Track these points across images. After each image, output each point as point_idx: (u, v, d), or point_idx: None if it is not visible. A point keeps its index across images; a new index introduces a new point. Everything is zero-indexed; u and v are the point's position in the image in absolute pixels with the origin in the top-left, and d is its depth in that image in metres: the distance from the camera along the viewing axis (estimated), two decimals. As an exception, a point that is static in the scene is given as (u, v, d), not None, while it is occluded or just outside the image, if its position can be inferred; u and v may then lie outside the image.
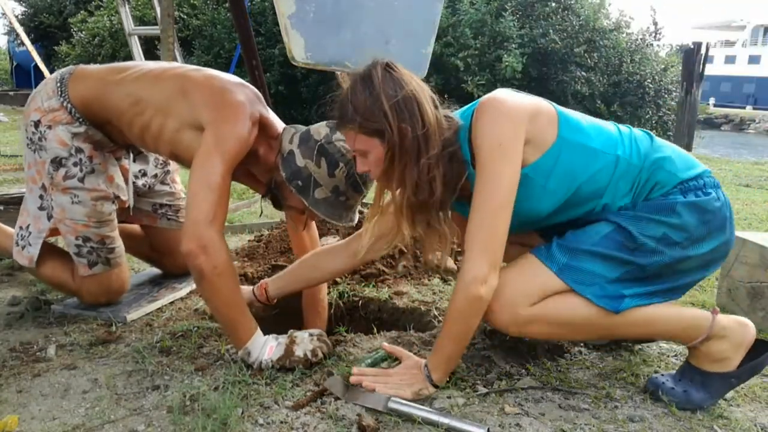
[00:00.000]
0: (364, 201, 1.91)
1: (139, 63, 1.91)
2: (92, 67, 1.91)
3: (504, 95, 1.42)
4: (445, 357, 1.47)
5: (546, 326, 1.45)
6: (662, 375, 1.55)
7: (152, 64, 1.88)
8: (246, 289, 1.86)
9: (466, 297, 1.37)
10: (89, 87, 1.81)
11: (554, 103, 1.50)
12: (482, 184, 1.38)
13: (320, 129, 1.67)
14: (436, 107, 1.43)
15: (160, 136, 1.76)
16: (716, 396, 1.48)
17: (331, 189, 1.65)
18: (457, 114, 1.51)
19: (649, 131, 1.55)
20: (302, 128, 1.72)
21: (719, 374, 1.47)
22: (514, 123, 1.38)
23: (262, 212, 2.23)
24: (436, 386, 1.47)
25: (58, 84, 1.82)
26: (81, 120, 1.81)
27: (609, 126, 1.51)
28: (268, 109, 1.80)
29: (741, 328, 1.48)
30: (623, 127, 1.53)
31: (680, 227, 1.41)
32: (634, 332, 1.51)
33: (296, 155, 1.66)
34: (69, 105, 1.80)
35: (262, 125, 1.71)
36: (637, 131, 1.53)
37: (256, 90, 1.78)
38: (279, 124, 1.80)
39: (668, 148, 1.51)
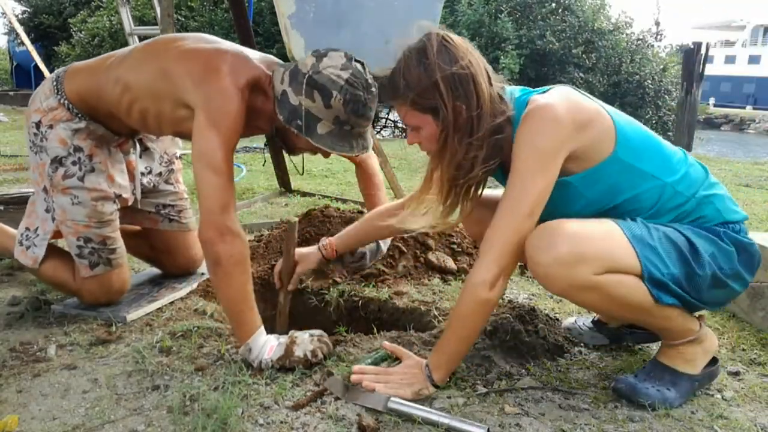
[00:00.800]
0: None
1: (126, 48, 1.90)
2: (85, 61, 1.91)
3: (558, 101, 1.36)
4: (447, 357, 1.47)
5: (598, 297, 1.37)
6: (628, 376, 1.54)
7: (134, 46, 1.87)
8: (311, 249, 1.94)
9: (474, 299, 1.37)
10: (83, 80, 1.82)
11: (614, 113, 1.44)
12: (513, 190, 1.35)
13: (306, 60, 1.58)
14: (491, 84, 1.38)
15: (161, 119, 1.75)
16: (684, 396, 1.49)
17: (332, 120, 1.57)
18: (513, 95, 1.46)
19: (704, 165, 1.53)
20: (291, 64, 1.64)
21: (687, 375, 1.50)
22: (559, 135, 1.33)
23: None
24: (436, 386, 1.47)
25: (54, 83, 1.83)
26: (80, 116, 1.81)
27: (667, 146, 1.49)
28: (255, 59, 1.71)
29: (712, 337, 1.56)
30: (678, 151, 1.51)
31: (727, 253, 1.42)
32: (654, 322, 1.48)
33: (289, 94, 1.58)
34: (66, 102, 1.80)
35: (254, 83, 1.65)
36: (693, 159, 1.51)
37: (238, 47, 1.73)
38: (271, 70, 1.72)
39: (720, 185, 1.51)
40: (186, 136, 1.81)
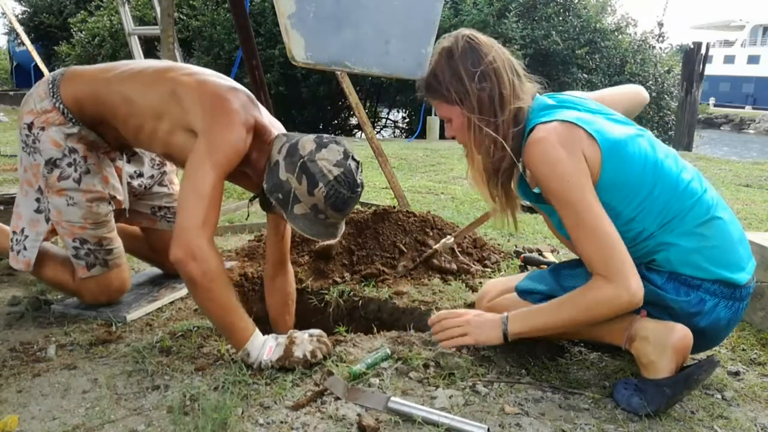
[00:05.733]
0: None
1: (132, 62, 1.89)
2: (84, 67, 1.90)
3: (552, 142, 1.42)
4: (538, 320, 1.50)
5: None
6: (630, 378, 1.54)
7: (144, 64, 1.87)
8: None
9: (611, 302, 1.39)
10: (81, 86, 1.81)
11: (608, 149, 1.43)
12: (573, 217, 1.41)
13: (306, 144, 1.62)
14: (517, 75, 1.53)
15: (153, 137, 1.75)
16: (653, 404, 1.40)
17: (309, 207, 1.61)
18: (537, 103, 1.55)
19: (714, 202, 1.50)
20: (294, 138, 1.68)
21: (652, 381, 1.42)
22: (570, 152, 1.41)
23: (248, 216, 2.17)
24: (505, 339, 1.51)
25: (50, 86, 1.82)
26: (74, 121, 1.80)
27: (673, 180, 1.46)
28: (262, 111, 1.77)
29: (664, 329, 1.44)
30: (695, 184, 1.49)
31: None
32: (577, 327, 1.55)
33: (280, 167, 1.62)
34: (61, 106, 1.79)
35: (257, 131, 1.68)
36: (710, 195, 1.50)
37: (250, 93, 1.77)
38: (274, 127, 1.78)
39: (707, 240, 1.46)
40: (174, 160, 1.82)
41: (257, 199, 1.81)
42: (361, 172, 1.67)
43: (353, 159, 1.64)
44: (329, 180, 1.58)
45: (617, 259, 1.38)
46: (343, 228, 1.74)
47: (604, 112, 1.56)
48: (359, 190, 1.65)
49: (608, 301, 1.39)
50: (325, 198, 1.59)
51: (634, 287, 1.37)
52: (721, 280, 1.45)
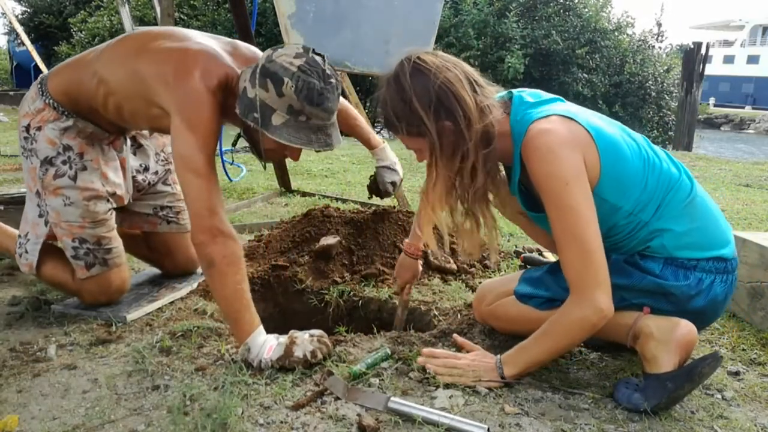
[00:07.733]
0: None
1: (105, 42, 1.89)
2: (66, 60, 1.92)
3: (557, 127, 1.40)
4: (526, 358, 1.50)
5: (496, 321, 1.74)
6: (631, 378, 1.54)
7: (111, 40, 1.86)
8: (405, 261, 1.94)
9: (582, 325, 1.41)
10: (64, 77, 1.83)
11: (603, 143, 1.43)
12: (562, 222, 1.39)
13: (264, 54, 1.57)
14: (475, 91, 1.41)
15: (135, 114, 1.76)
16: (652, 398, 1.40)
17: (286, 110, 1.51)
18: (519, 105, 1.48)
19: (692, 180, 1.53)
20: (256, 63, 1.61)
21: (654, 375, 1.43)
22: (574, 153, 1.38)
23: (236, 142, 1.98)
24: (503, 380, 1.49)
25: (39, 85, 1.85)
26: (67, 113, 1.81)
27: (648, 168, 1.47)
28: (235, 50, 1.72)
29: (669, 325, 1.45)
30: (672, 168, 1.51)
31: (631, 288, 1.49)
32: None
33: (247, 88, 1.56)
34: (52, 101, 1.81)
35: (225, 82, 1.64)
36: (685, 174, 1.51)
37: (209, 46, 1.70)
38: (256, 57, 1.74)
39: (695, 220, 1.49)
40: (164, 131, 1.83)
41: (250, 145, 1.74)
42: (328, 64, 1.56)
43: (315, 53, 1.55)
44: (293, 72, 1.49)
45: (592, 275, 1.38)
46: (338, 137, 1.63)
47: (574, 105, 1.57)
48: (333, 80, 1.55)
49: (579, 325, 1.41)
50: (296, 93, 1.49)
51: (602, 304, 1.38)
52: (713, 257, 1.49)
